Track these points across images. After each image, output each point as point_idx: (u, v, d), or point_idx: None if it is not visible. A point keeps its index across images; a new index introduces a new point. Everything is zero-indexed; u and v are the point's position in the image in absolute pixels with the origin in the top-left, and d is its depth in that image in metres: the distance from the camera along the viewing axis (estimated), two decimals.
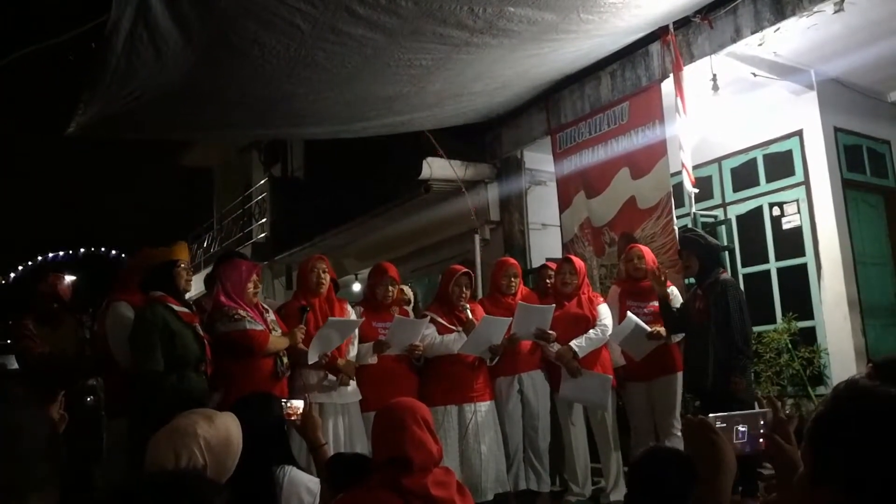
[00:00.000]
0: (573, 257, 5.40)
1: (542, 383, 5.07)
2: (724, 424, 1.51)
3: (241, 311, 4.03)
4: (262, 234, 12.47)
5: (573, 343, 4.88)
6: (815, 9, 4.81)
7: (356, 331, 4.62)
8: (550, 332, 4.91)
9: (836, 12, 4.83)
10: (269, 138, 11.59)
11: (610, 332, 4.97)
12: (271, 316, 4.30)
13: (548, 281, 5.45)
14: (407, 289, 5.57)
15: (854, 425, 1.10)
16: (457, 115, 6.79)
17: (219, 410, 2.50)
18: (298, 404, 3.03)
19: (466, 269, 5.08)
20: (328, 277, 4.64)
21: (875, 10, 4.86)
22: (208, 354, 3.83)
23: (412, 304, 5.49)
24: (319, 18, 4.36)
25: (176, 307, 3.79)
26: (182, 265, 3.97)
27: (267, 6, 4.15)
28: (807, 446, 1.17)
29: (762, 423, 1.51)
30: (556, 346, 4.94)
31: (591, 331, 4.95)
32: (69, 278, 5.04)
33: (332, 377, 4.38)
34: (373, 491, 2.11)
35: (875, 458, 1.05)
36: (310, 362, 4.28)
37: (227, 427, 2.30)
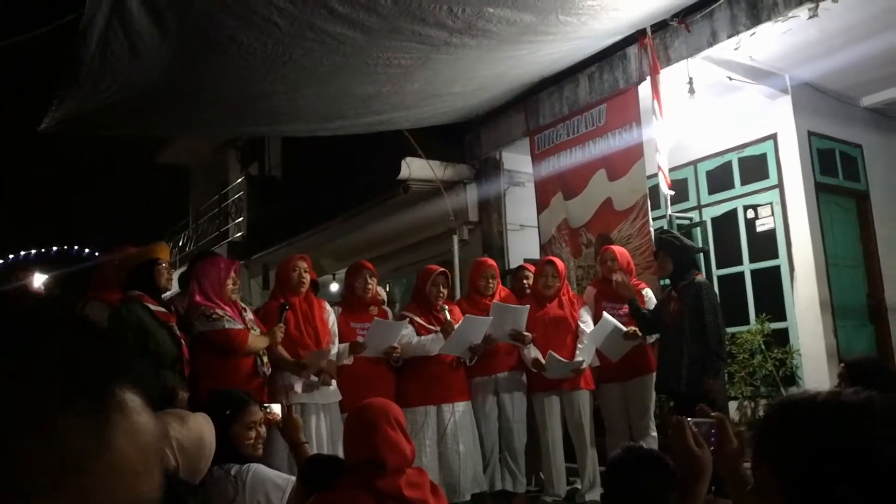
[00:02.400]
0: (555, 259, 5.41)
1: (519, 384, 5.08)
2: (696, 428, 1.53)
3: (219, 311, 4.00)
4: (239, 234, 12.38)
5: (581, 359, 4.89)
6: (791, 14, 4.87)
7: (335, 329, 4.61)
8: (526, 333, 4.92)
9: (810, 18, 4.89)
10: (247, 135, 11.51)
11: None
12: (249, 315, 4.27)
13: (525, 282, 5.46)
14: (382, 290, 5.56)
15: (781, 434, 1.12)
16: (435, 115, 6.79)
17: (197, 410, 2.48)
18: (277, 409, 3.04)
19: (443, 269, 5.07)
20: (309, 277, 4.62)
21: (849, 15, 4.93)
22: (185, 354, 3.81)
23: (385, 303, 5.46)
24: (298, 16, 4.33)
25: (152, 306, 3.79)
26: (163, 264, 3.97)
27: (245, 3, 4.12)
28: (752, 460, 1.19)
29: (713, 431, 1.53)
30: (533, 350, 4.95)
31: (579, 344, 4.96)
32: (42, 276, 4.98)
33: (314, 377, 4.35)
34: (346, 492, 2.11)
35: (802, 462, 1.06)
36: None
37: (199, 428, 2.28)
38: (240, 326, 4.04)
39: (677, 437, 1.50)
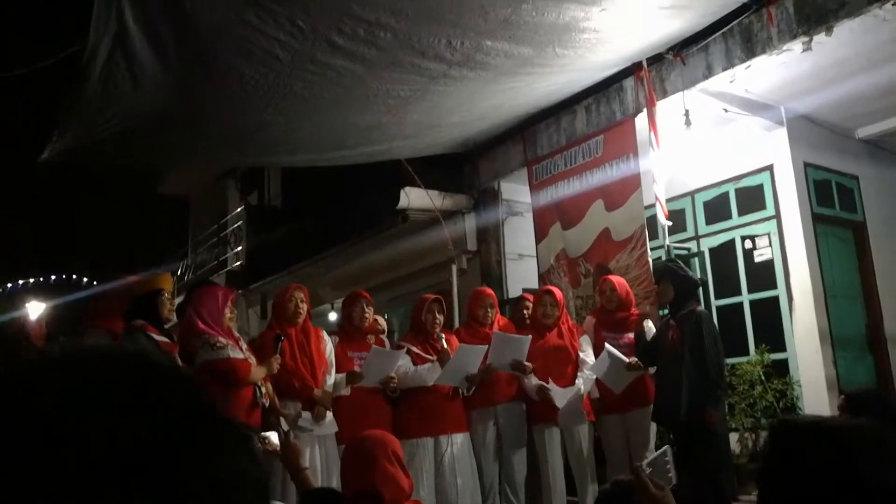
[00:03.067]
0: (553, 288, 5.41)
1: (519, 415, 5.04)
2: (651, 469, 1.70)
3: (223, 339, 3.99)
4: (238, 263, 12.36)
5: (582, 389, 4.89)
6: (785, 47, 4.94)
7: (332, 359, 4.59)
8: (527, 363, 4.89)
9: (804, 51, 4.96)
10: (246, 165, 11.56)
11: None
12: (244, 345, 4.26)
13: (525, 312, 5.45)
14: (381, 319, 5.55)
15: (785, 457, 1.13)
16: (434, 144, 6.84)
17: None
18: (274, 437, 3.00)
19: (437, 296, 5.07)
20: (306, 307, 4.60)
21: (842, 49, 5.00)
22: None
23: (385, 333, 5.45)
24: (299, 49, 4.39)
25: (156, 336, 3.79)
26: (166, 295, 3.97)
27: (246, 36, 4.17)
28: (759, 487, 1.19)
29: (666, 459, 1.77)
30: (534, 380, 4.92)
31: (579, 377, 4.94)
32: (41, 305, 4.98)
33: (306, 416, 4.31)
34: None
35: (808, 486, 1.07)
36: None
37: None
38: (242, 356, 4.03)
39: (639, 488, 1.63)
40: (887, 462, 1.04)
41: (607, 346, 4.86)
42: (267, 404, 4.16)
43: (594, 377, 4.92)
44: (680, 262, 5.24)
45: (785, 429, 1.19)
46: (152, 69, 4.23)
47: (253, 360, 4.18)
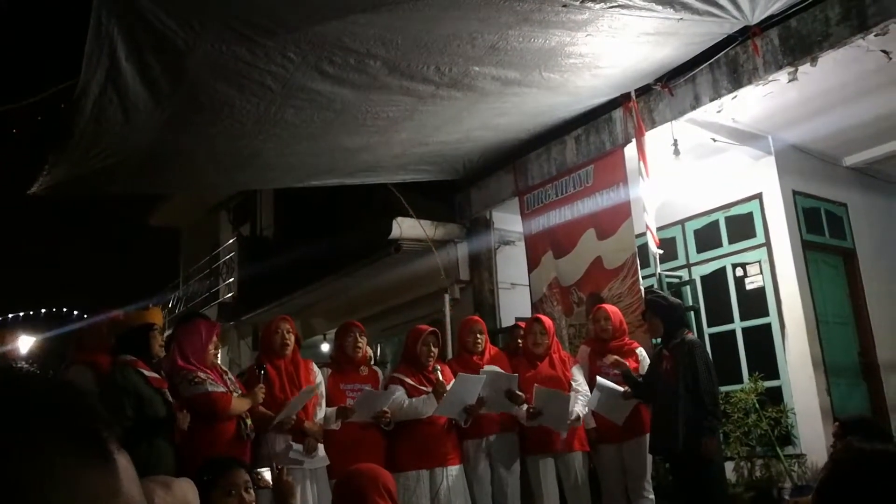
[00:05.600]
0: (542, 317, 5.40)
1: (512, 445, 5.00)
2: None
3: (201, 374, 3.96)
4: (230, 294, 12.32)
5: (578, 411, 4.84)
6: (770, 78, 5.01)
7: (323, 391, 4.55)
8: (519, 392, 4.85)
9: (790, 81, 5.03)
10: (238, 190, 11.55)
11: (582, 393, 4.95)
12: (230, 377, 4.23)
13: (520, 341, 5.43)
14: (368, 349, 5.52)
15: (855, 487, 1.12)
16: (424, 166, 6.83)
17: (183, 476, 2.43)
18: (267, 474, 2.98)
19: (433, 329, 5.05)
20: (293, 338, 4.57)
21: (827, 79, 5.07)
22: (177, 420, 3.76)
23: (374, 361, 5.40)
24: (289, 79, 4.44)
25: (146, 372, 3.74)
26: (156, 329, 3.93)
27: (237, 69, 4.21)
28: None
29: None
30: (523, 408, 4.89)
31: (579, 400, 4.90)
32: (30, 339, 4.95)
33: (297, 447, 4.26)
34: None
35: None
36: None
37: (184, 494, 2.23)
38: (222, 390, 3.99)
39: None
40: None
41: (599, 379, 4.84)
42: (252, 436, 4.10)
43: (588, 407, 4.90)
44: (662, 291, 5.25)
45: (848, 455, 1.18)
46: (144, 104, 4.26)
47: (238, 391, 4.15)
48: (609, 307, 5.28)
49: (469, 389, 4.69)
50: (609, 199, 5.98)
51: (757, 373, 5.98)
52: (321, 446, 4.37)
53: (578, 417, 4.83)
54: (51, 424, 0.56)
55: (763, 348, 6.15)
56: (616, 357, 4.94)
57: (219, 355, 4.21)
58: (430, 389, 4.78)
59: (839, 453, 1.23)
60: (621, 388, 4.81)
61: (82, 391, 0.61)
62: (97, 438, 0.58)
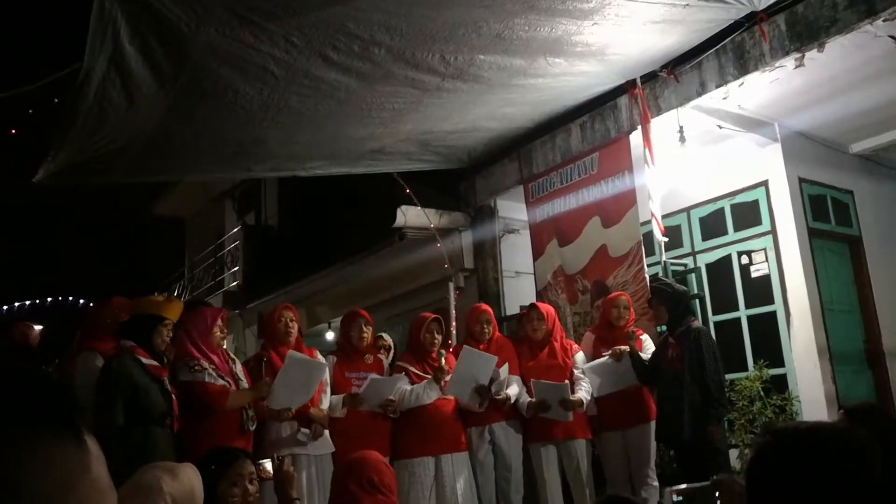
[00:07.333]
0: (539, 303, 5.39)
1: (515, 433, 5.00)
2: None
3: (203, 363, 3.94)
4: (234, 283, 12.34)
5: (582, 397, 4.85)
6: (777, 64, 4.97)
7: (328, 378, 4.54)
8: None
9: (796, 67, 4.99)
10: (241, 178, 11.55)
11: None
12: (238, 366, 4.21)
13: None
14: (387, 336, 5.54)
15: (776, 467, 1.15)
16: (428, 155, 6.82)
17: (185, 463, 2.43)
18: (269, 466, 3.00)
19: (436, 316, 5.04)
20: (296, 326, 4.57)
21: (834, 65, 5.03)
22: (175, 410, 3.72)
23: (392, 352, 5.41)
24: (293, 64, 4.42)
25: (145, 360, 3.68)
26: (167, 323, 3.84)
27: (241, 54, 4.20)
28: (747, 494, 1.20)
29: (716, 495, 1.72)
30: (524, 396, 4.90)
31: (582, 387, 4.91)
32: (38, 328, 4.95)
33: (304, 431, 4.26)
34: None
35: (803, 489, 1.09)
36: (272, 406, 4.16)
37: (190, 480, 2.23)
38: (221, 383, 3.95)
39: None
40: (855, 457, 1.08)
41: (584, 368, 4.91)
42: (253, 427, 4.09)
43: (591, 392, 4.92)
44: (666, 279, 5.24)
45: (770, 437, 1.20)
46: (147, 87, 4.25)
47: (244, 382, 4.13)
48: (628, 296, 5.28)
49: (479, 365, 4.67)
50: (614, 186, 5.95)
51: (762, 360, 5.97)
52: (326, 432, 4.37)
53: (582, 403, 4.84)
54: (29, 410, 0.65)
55: (768, 336, 6.13)
56: (621, 347, 4.92)
57: (225, 341, 4.19)
58: (430, 376, 4.78)
59: (760, 436, 1.27)
60: (608, 358, 4.84)
61: (59, 383, 0.71)
62: (70, 423, 0.66)
